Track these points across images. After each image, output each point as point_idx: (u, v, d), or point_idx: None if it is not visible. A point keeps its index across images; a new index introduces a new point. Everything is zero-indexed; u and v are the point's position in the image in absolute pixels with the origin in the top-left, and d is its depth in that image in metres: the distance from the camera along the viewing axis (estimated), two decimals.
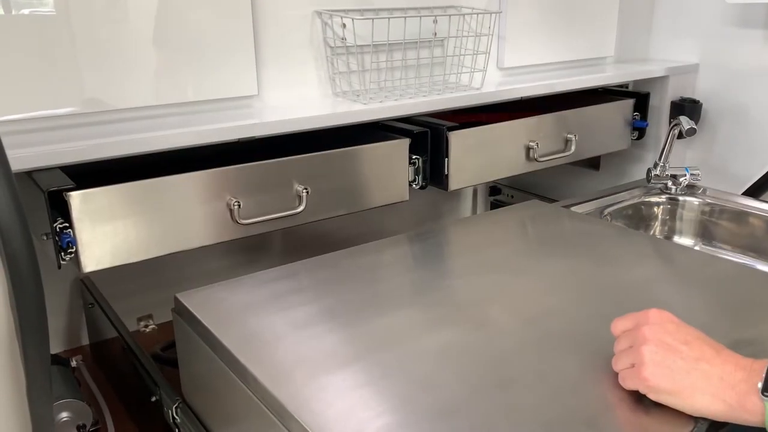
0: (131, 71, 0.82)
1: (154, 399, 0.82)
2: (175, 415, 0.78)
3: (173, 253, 0.82)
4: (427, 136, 1.01)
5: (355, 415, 0.56)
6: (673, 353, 0.54)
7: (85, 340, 1.13)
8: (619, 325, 0.60)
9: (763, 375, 0.50)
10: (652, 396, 0.55)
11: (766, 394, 0.49)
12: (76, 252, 0.74)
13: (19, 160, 0.71)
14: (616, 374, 0.59)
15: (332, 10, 0.96)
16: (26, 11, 0.76)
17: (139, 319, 1.17)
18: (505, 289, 0.79)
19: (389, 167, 0.98)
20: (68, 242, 0.73)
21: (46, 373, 0.48)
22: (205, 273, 1.14)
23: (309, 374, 0.61)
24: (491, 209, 1.58)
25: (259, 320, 0.71)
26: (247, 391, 0.63)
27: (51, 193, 0.72)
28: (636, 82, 1.36)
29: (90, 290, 1.05)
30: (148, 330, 1.17)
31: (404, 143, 0.99)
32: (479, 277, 0.82)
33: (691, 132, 1.20)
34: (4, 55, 0.74)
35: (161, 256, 0.81)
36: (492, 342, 0.67)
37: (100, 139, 0.77)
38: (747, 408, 0.50)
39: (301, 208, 0.89)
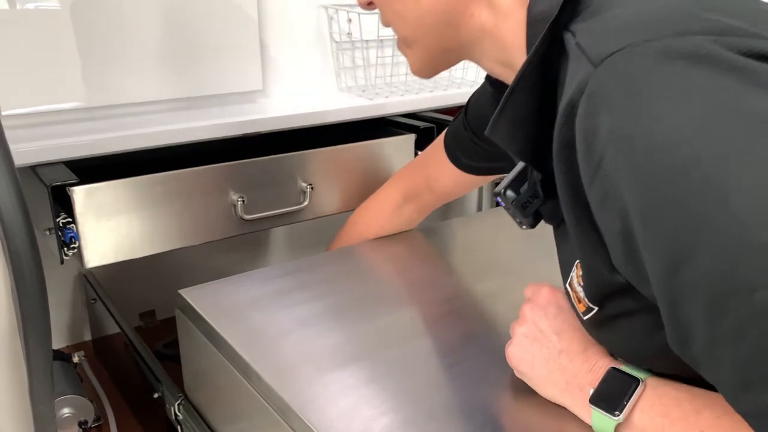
0: (135, 66, 0.81)
1: (156, 395, 0.82)
2: (177, 411, 0.77)
3: (177, 249, 0.81)
4: (433, 132, 1.00)
5: (360, 414, 0.55)
6: (539, 342, 0.54)
7: (88, 336, 1.12)
8: (527, 292, 0.60)
9: (600, 380, 0.48)
10: (515, 372, 0.56)
11: (594, 401, 0.47)
12: (79, 247, 0.73)
13: (23, 154, 0.70)
14: None
15: (338, 5, 0.95)
16: (31, 6, 0.75)
17: (142, 315, 1.17)
18: (511, 287, 0.78)
19: (395, 163, 0.97)
20: (71, 237, 0.72)
21: (48, 368, 0.48)
22: (209, 269, 1.13)
23: (313, 372, 0.61)
24: (497, 206, 1.57)
25: (262, 317, 0.71)
26: (250, 388, 0.62)
27: (54, 188, 0.71)
28: None
29: (92, 286, 1.05)
30: (150, 326, 1.17)
31: (410, 139, 0.98)
32: (485, 274, 0.82)
33: None
34: (9, 50, 0.73)
35: (164, 252, 0.81)
36: (499, 340, 0.66)
37: (104, 134, 0.76)
38: (585, 410, 0.49)
39: (305, 204, 0.89)
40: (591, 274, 0.44)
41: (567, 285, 0.50)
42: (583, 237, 0.42)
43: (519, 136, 0.45)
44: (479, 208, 1.60)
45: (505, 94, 0.44)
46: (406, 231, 0.93)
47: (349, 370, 0.61)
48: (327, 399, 0.57)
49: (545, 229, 0.81)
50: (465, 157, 0.76)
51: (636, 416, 0.45)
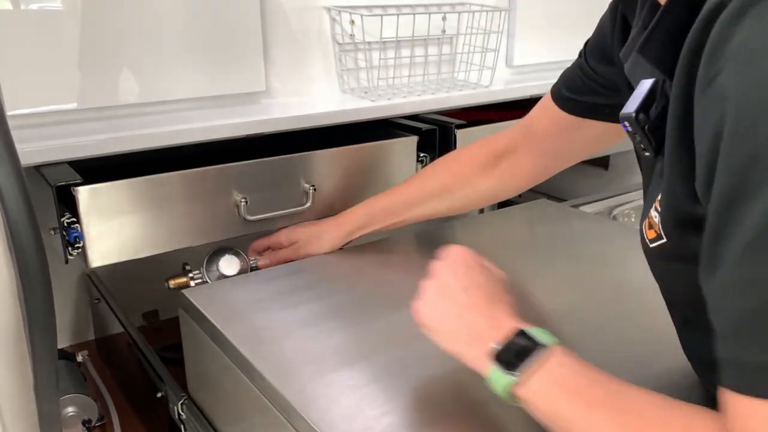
0: (138, 67, 0.82)
1: (159, 395, 0.82)
2: (180, 411, 0.78)
3: (180, 249, 0.82)
4: (436, 134, 1.00)
5: (362, 413, 0.55)
6: (447, 298, 0.54)
7: (91, 335, 1.13)
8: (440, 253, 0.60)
9: (505, 338, 0.48)
10: (421, 329, 0.56)
11: (495, 358, 0.47)
12: (84, 247, 0.74)
13: (28, 154, 0.71)
14: (626, 377, 0.59)
15: (341, 7, 0.96)
16: (35, 6, 0.75)
17: (145, 315, 1.17)
18: (513, 289, 0.78)
19: (397, 165, 0.97)
20: (76, 237, 0.73)
21: (52, 367, 0.48)
22: None
23: (316, 372, 0.61)
24: (499, 208, 1.57)
25: (265, 317, 0.71)
26: (253, 388, 0.63)
27: (59, 187, 0.72)
28: None
29: (96, 285, 1.05)
30: (152, 326, 1.17)
31: (412, 141, 0.99)
32: None
33: None
34: (13, 50, 0.74)
35: (168, 252, 0.81)
36: None
37: (108, 134, 0.76)
38: (485, 365, 0.49)
39: (308, 205, 0.89)
40: (672, 199, 0.43)
41: (643, 219, 0.49)
42: (675, 157, 0.41)
43: (669, 53, 0.43)
44: (481, 210, 1.60)
45: (661, 9, 0.43)
46: (407, 233, 0.93)
47: (352, 370, 0.61)
48: (329, 398, 0.57)
49: (546, 230, 0.82)
50: (568, 90, 0.70)
51: (533, 380, 0.45)
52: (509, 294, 0.55)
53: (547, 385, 0.45)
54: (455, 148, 1.01)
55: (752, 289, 0.32)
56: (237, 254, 0.84)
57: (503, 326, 0.49)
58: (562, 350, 0.47)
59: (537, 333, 0.48)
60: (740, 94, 0.33)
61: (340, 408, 0.56)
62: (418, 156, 1.00)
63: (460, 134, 1.01)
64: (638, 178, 1.26)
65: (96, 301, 1.06)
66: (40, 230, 0.44)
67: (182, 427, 0.78)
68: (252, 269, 0.85)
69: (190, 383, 0.80)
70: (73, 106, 0.79)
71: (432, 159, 1.01)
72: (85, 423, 0.82)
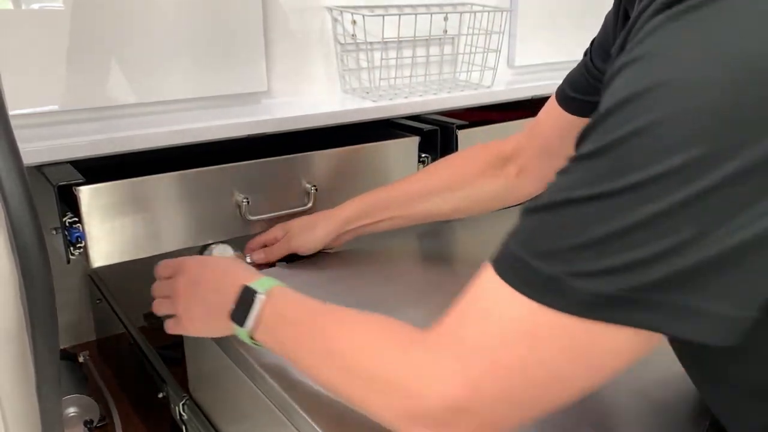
0: (139, 67, 0.82)
1: (161, 395, 0.82)
2: (182, 411, 0.78)
3: (182, 249, 0.82)
4: (437, 135, 1.00)
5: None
6: (186, 298, 0.62)
7: (93, 336, 1.13)
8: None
9: (236, 298, 0.56)
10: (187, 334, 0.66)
11: (233, 318, 0.56)
12: (85, 247, 0.74)
13: (29, 154, 0.71)
14: (627, 378, 0.59)
15: (342, 7, 0.96)
16: (36, 6, 0.75)
17: (146, 316, 1.17)
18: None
19: (399, 165, 0.97)
20: (77, 237, 0.72)
21: (55, 367, 0.48)
22: None
23: None
24: None
25: None
26: (254, 388, 0.63)
27: (61, 187, 0.71)
28: None
29: (98, 285, 1.05)
30: (155, 326, 1.17)
31: (414, 141, 0.98)
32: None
33: None
34: (15, 50, 0.74)
35: (170, 252, 0.81)
36: None
37: (109, 134, 0.76)
38: (233, 328, 0.57)
39: (309, 205, 0.89)
40: None
41: None
42: None
43: None
44: None
45: None
46: (406, 234, 0.93)
47: None
48: (331, 399, 0.57)
49: None
50: (573, 91, 0.70)
51: (261, 325, 0.54)
52: (239, 265, 0.63)
53: (270, 326, 0.54)
54: (457, 148, 1.01)
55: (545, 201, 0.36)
56: (232, 249, 0.84)
57: (232, 291, 0.57)
58: (279, 290, 0.55)
59: (257, 284, 0.56)
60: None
61: (342, 408, 0.56)
62: (419, 156, 0.99)
63: (462, 135, 1.01)
64: None
65: (98, 302, 1.06)
66: (42, 230, 0.44)
67: (184, 427, 0.78)
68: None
69: (191, 383, 0.80)
70: (74, 106, 0.79)
71: (433, 160, 1.01)
72: (87, 423, 0.82)
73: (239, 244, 0.87)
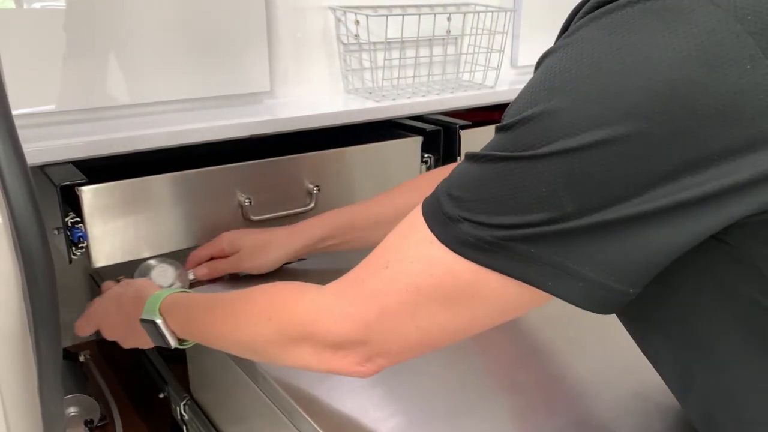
0: (143, 67, 0.81)
1: (162, 395, 0.82)
2: (183, 411, 0.78)
3: (183, 249, 0.82)
4: (440, 135, 1.00)
5: (367, 415, 0.55)
6: (109, 314, 0.71)
7: (93, 335, 1.12)
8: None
9: (144, 308, 0.62)
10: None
11: (143, 320, 0.62)
12: (87, 247, 0.73)
13: (32, 154, 0.71)
14: (629, 380, 0.59)
15: (346, 7, 0.95)
16: (38, 5, 0.75)
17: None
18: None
19: (401, 165, 0.97)
20: (79, 237, 0.72)
21: (57, 368, 0.48)
22: None
23: (319, 374, 0.61)
24: None
25: None
26: (256, 389, 0.63)
27: (63, 187, 0.71)
28: None
29: (99, 285, 1.05)
30: None
31: (417, 141, 0.98)
32: None
33: None
34: (17, 49, 0.74)
35: (170, 252, 0.81)
36: (503, 345, 0.66)
37: (112, 134, 0.76)
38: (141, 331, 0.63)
39: (312, 206, 0.89)
40: None
41: None
42: None
43: None
44: None
45: None
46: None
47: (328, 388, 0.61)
48: (333, 400, 0.57)
49: None
50: None
51: (173, 328, 0.62)
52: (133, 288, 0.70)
53: (180, 324, 0.61)
54: (460, 149, 1.01)
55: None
56: (172, 264, 0.80)
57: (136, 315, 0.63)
58: (170, 300, 0.63)
59: (147, 315, 0.62)
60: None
61: (344, 409, 0.56)
62: (422, 157, 0.99)
63: (465, 135, 1.01)
64: None
65: None
66: (46, 230, 0.44)
67: (185, 427, 0.78)
68: (191, 283, 0.79)
69: (192, 384, 0.80)
70: (77, 106, 0.79)
71: (436, 160, 1.00)
72: (88, 423, 0.82)
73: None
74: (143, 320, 0.62)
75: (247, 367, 0.64)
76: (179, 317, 0.62)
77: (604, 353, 0.64)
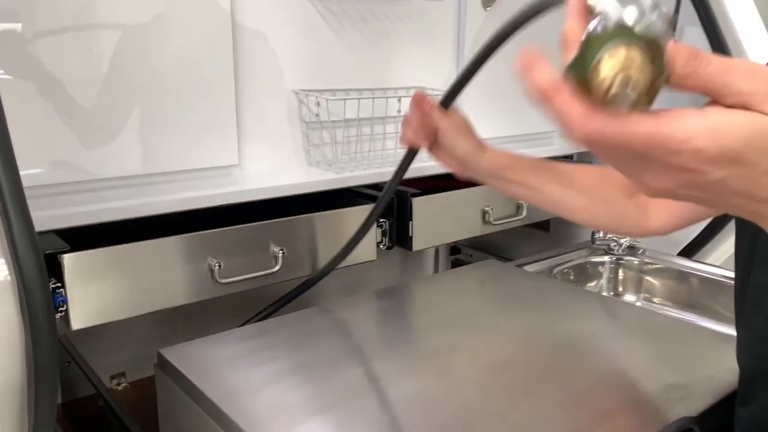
0: (123, 142, 0.89)
1: None
2: None
3: (156, 311, 0.87)
4: (393, 202, 1.10)
5: None
6: None
7: (59, 399, 1.13)
8: None
9: None
10: None
11: None
12: (66, 310, 0.78)
13: None
14: (570, 417, 0.67)
15: (308, 90, 1.07)
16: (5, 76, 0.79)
17: (112, 377, 1.19)
18: (466, 341, 0.87)
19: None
20: (60, 301, 0.77)
21: (53, 421, 0.53)
22: (181, 332, 1.18)
23: (287, 422, 0.67)
24: (452, 268, 1.67)
25: (238, 373, 0.77)
26: None
27: (46, 255, 0.77)
28: (579, 153, 1.50)
29: (66, 348, 1.08)
30: (120, 388, 1.19)
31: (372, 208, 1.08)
32: (442, 330, 0.90)
33: None
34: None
35: (147, 313, 0.86)
36: (456, 390, 0.74)
37: (90, 206, 0.83)
38: None
39: (277, 268, 0.96)
40: None
41: None
42: None
43: None
44: (436, 270, 1.70)
45: None
46: (368, 292, 1.01)
47: (320, 420, 0.67)
48: None
49: (494, 288, 0.91)
50: None
51: None
52: None
53: None
54: (412, 214, 1.11)
55: None
56: None
57: None
58: None
59: None
60: None
61: None
62: (377, 222, 1.09)
63: (416, 201, 1.11)
64: (576, 240, 1.37)
65: (66, 364, 1.08)
66: (49, 290, 0.51)
67: None
68: None
69: None
70: (62, 179, 0.85)
71: (390, 225, 1.10)
72: None
73: (210, 306, 0.92)
74: None
75: (221, 419, 0.69)
76: None
77: (547, 395, 0.73)
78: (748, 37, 1.24)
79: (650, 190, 0.37)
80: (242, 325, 0.94)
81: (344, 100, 1.06)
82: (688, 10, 1.26)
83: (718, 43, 1.23)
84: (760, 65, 0.34)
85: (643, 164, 0.35)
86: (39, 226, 0.78)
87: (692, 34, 1.27)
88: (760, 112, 0.32)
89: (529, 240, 1.62)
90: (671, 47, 0.32)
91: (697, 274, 1.26)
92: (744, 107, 0.33)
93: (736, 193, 0.35)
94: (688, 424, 0.67)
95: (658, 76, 0.32)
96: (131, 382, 1.19)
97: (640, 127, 0.33)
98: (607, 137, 0.34)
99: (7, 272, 0.48)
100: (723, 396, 0.72)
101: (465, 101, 1.28)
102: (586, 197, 0.78)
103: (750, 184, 0.34)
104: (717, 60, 0.33)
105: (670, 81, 0.33)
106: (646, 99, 0.32)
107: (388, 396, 0.73)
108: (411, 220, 1.10)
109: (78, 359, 1.04)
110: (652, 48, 0.31)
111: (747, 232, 0.60)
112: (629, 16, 0.31)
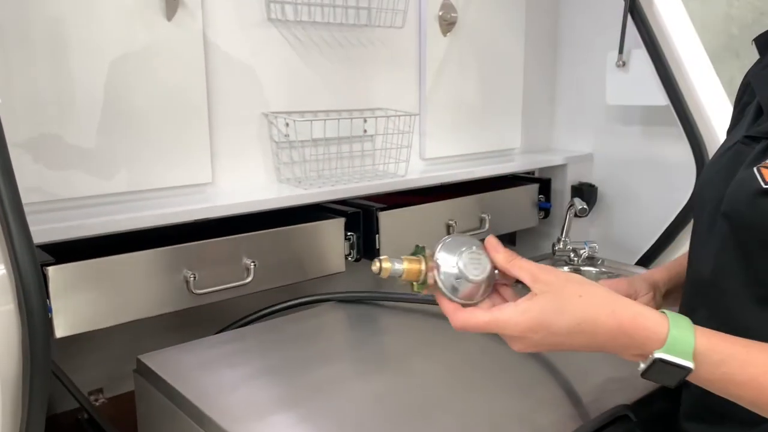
0: (104, 163, 0.95)
1: None
2: None
3: (134, 321, 0.92)
4: (360, 216, 1.17)
5: None
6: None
7: None
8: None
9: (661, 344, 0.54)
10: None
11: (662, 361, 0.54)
12: (51, 319, 0.83)
13: None
14: (517, 404, 0.74)
15: (277, 112, 1.14)
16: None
17: (90, 393, 1.22)
18: (426, 342, 0.93)
19: (327, 243, 1.12)
20: None
21: (43, 414, 0.58)
22: (158, 348, 1.22)
23: (259, 417, 0.73)
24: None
25: (213, 375, 0.82)
26: None
27: None
28: (540, 169, 1.58)
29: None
30: (98, 404, 1.22)
31: (340, 222, 1.15)
32: (403, 334, 0.97)
33: (584, 212, 1.40)
34: None
35: (113, 332, 0.90)
36: (416, 387, 0.81)
37: (78, 221, 0.88)
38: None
39: (249, 279, 1.02)
40: None
41: (758, 165, 0.60)
42: None
43: None
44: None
45: None
46: (334, 301, 1.07)
47: (289, 412, 0.74)
48: None
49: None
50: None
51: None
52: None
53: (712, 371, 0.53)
54: (378, 228, 1.17)
55: None
56: (484, 251, 0.60)
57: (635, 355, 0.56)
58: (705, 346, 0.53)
59: (672, 351, 0.53)
60: None
61: None
62: (345, 235, 1.15)
63: (382, 216, 1.18)
64: (540, 252, 1.47)
65: None
66: (45, 295, 0.56)
67: None
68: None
69: None
70: (47, 197, 0.90)
71: (358, 238, 1.17)
72: None
73: (185, 316, 0.97)
74: (662, 361, 0.52)
75: (198, 416, 0.74)
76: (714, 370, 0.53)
77: (502, 389, 0.79)
78: (689, 57, 1.35)
79: (515, 350, 0.58)
80: (217, 333, 0.99)
81: (311, 121, 1.13)
82: (633, 33, 1.37)
83: (661, 64, 1.34)
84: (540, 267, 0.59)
85: (503, 336, 0.58)
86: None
87: (638, 55, 1.38)
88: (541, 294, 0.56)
89: None
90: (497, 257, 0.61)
91: None
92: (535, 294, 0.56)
93: (562, 344, 0.56)
94: (623, 411, 0.74)
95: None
96: (109, 397, 1.22)
97: (484, 317, 0.56)
98: (470, 325, 0.57)
99: (6, 273, 0.53)
100: (657, 387, 0.80)
101: (428, 120, 1.37)
102: None
103: (560, 342, 0.55)
104: (519, 261, 0.61)
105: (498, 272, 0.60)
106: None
107: (353, 393, 0.79)
108: (378, 233, 1.16)
109: (58, 373, 1.07)
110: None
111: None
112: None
